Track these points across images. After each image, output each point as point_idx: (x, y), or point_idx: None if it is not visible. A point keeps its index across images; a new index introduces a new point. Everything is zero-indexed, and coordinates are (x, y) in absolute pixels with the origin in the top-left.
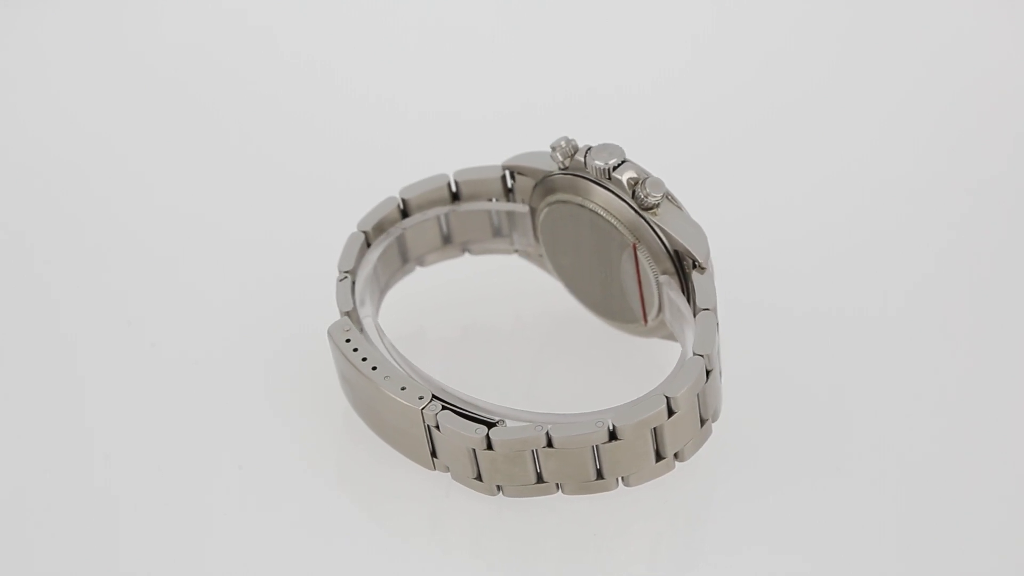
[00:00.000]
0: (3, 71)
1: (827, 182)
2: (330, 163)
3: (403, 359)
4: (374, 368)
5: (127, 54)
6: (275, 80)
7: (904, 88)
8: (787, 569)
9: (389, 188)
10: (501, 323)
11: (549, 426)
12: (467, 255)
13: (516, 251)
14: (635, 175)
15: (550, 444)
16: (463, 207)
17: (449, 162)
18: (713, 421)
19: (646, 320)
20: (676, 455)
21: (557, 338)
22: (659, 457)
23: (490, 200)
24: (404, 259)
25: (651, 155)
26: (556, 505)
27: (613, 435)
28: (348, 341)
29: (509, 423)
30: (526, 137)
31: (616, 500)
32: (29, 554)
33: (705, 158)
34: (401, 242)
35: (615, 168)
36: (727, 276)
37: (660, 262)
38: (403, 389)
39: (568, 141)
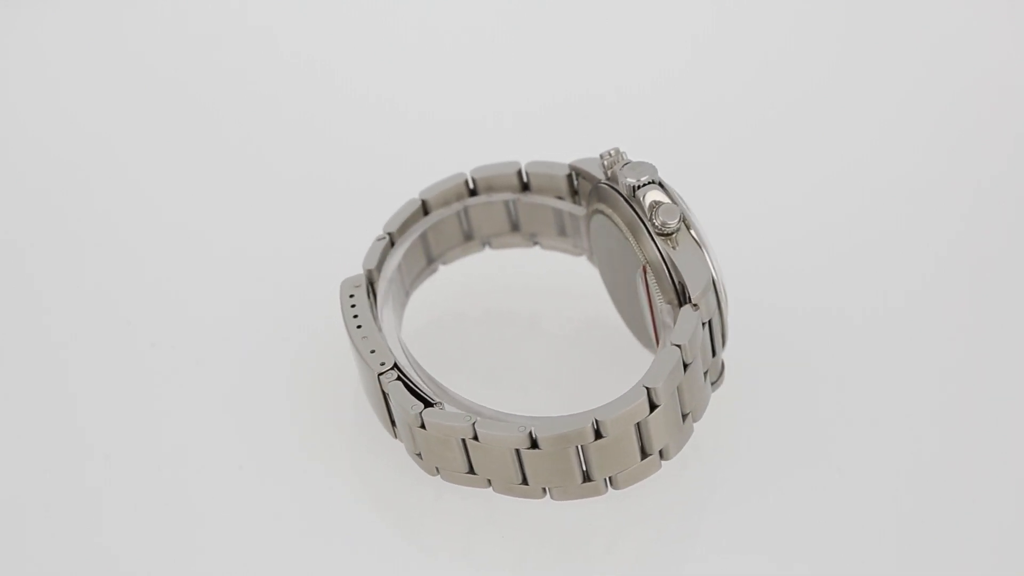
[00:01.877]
0: (3, 71)
1: (827, 183)
2: (330, 164)
3: (395, 327)
4: (358, 327)
5: (128, 55)
6: (275, 81)
7: (905, 88)
8: (788, 570)
9: (390, 190)
10: (547, 318)
11: (478, 419)
12: (538, 248)
13: (583, 255)
14: (656, 199)
15: (475, 437)
16: (530, 198)
17: (451, 163)
18: (665, 459)
19: (658, 345)
20: (609, 481)
21: (595, 344)
22: (586, 478)
23: (559, 198)
24: (467, 236)
25: (651, 156)
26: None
27: (535, 443)
28: (351, 296)
29: (448, 407)
30: (526, 138)
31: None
32: (29, 554)
33: (705, 159)
34: (464, 218)
35: (639, 187)
36: (728, 276)
37: (665, 291)
38: (372, 352)
39: (616, 151)
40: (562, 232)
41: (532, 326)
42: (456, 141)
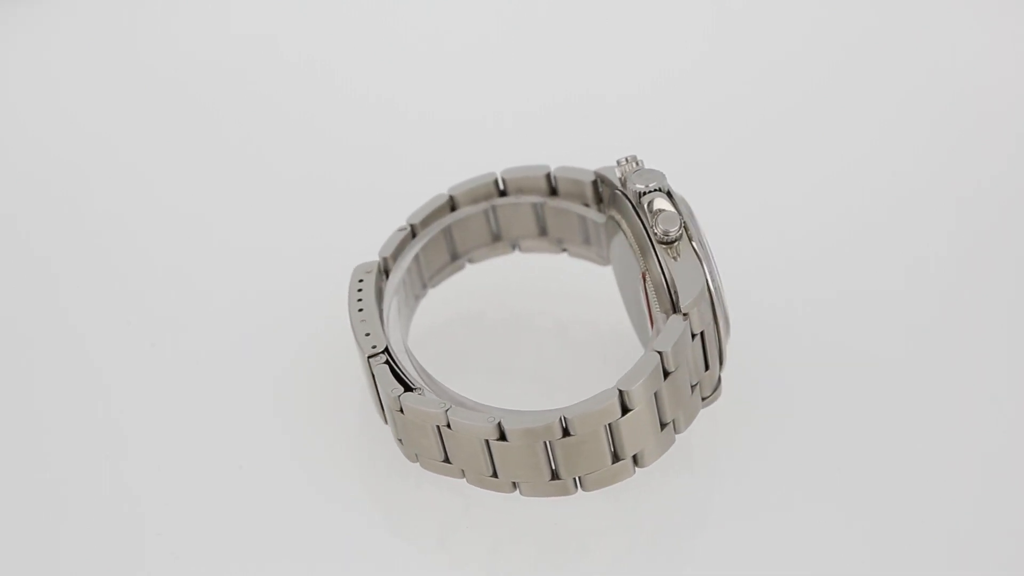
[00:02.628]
0: (17, 77)
1: (828, 183)
2: (330, 165)
3: (401, 316)
4: (360, 310)
5: (133, 60)
6: (275, 82)
7: (904, 92)
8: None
9: (390, 190)
10: (573, 324)
11: (452, 407)
12: (565, 255)
13: (608, 264)
14: (660, 206)
15: (449, 425)
16: (556, 202)
17: (452, 164)
18: (640, 465)
19: None
20: (578, 481)
21: (619, 353)
22: (555, 476)
23: (585, 205)
24: (495, 236)
25: (651, 157)
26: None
27: (503, 435)
28: (361, 281)
29: (427, 394)
30: (526, 139)
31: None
32: (26, 553)
33: (705, 159)
34: (492, 217)
35: (643, 195)
36: (728, 276)
37: (662, 300)
38: (367, 335)
39: (632, 158)
40: (587, 240)
41: (555, 331)
42: (457, 142)
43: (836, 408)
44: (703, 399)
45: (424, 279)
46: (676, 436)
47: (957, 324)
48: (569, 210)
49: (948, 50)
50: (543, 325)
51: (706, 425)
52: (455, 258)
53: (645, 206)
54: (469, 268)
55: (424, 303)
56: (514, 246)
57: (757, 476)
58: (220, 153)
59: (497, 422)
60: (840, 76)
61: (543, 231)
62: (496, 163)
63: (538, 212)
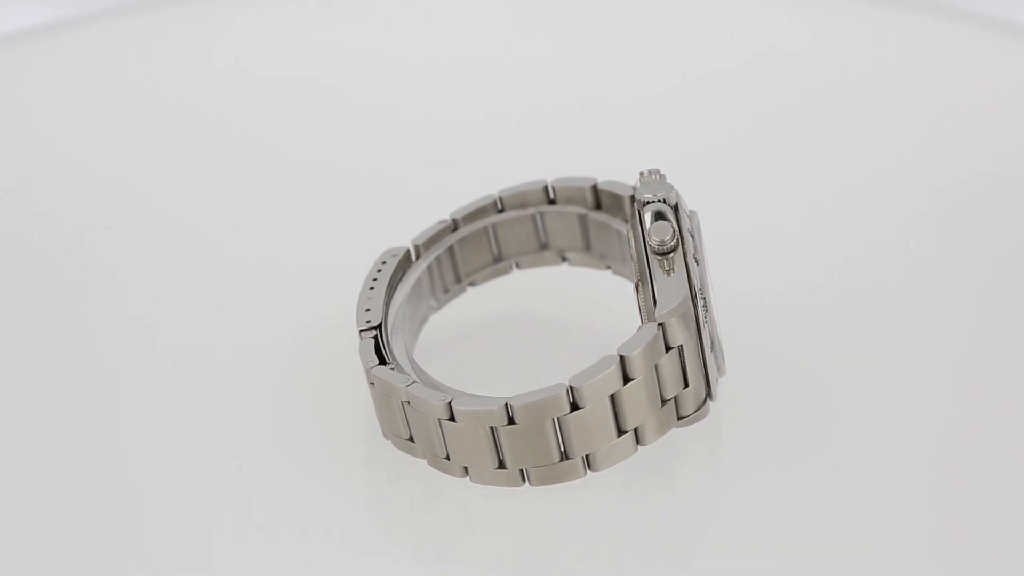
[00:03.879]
0: (41, 92)
1: (828, 184)
2: (333, 165)
3: (414, 301)
4: (371, 288)
5: (141, 76)
6: (278, 83)
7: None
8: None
9: (392, 190)
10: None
11: (413, 382)
12: (610, 272)
13: None
14: (657, 217)
15: (409, 401)
16: (597, 216)
17: (454, 164)
18: (592, 469)
19: None
20: (525, 474)
21: None
22: (500, 465)
23: (624, 221)
24: (542, 245)
25: (652, 158)
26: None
27: (452, 416)
28: (384, 263)
29: (399, 370)
30: (527, 140)
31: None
32: (25, 555)
33: (706, 161)
34: (540, 224)
35: (646, 204)
36: (723, 270)
37: (649, 312)
38: (367, 311)
39: (653, 171)
40: (623, 258)
41: (586, 344)
42: (459, 144)
43: (839, 414)
44: (681, 416)
45: (459, 273)
46: (640, 447)
47: (959, 325)
48: (608, 225)
49: (945, 56)
50: (576, 338)
51: (698, 438)
52: (498, 260)
53: (646, 216)
54: (516, 273)
55: (461, 301)
56: (563, 258)
57: (747, 492)
58: (223, 152)
59: (448, 401)
60: (839, 78)
61: (587, 245)
62: (496, 165)
63: (583, 224)
